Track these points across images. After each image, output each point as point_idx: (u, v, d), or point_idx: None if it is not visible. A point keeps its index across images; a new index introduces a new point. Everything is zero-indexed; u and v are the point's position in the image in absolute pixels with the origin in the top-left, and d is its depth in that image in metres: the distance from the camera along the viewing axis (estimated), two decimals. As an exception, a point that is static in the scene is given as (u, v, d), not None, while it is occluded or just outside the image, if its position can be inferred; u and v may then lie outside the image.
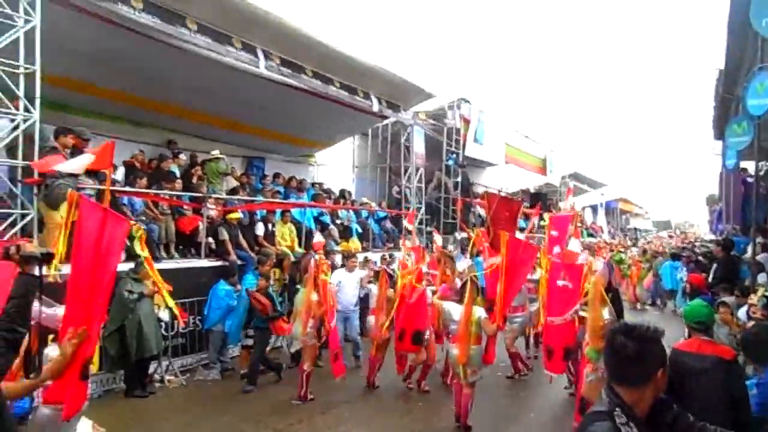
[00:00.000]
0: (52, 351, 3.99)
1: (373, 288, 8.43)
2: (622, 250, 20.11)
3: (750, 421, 3.67)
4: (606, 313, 5.20)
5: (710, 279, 8.54)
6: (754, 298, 5.70)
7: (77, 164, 5.32)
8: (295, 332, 7.16)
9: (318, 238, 8.53)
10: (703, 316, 4.34)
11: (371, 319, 8.11)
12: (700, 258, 11.39)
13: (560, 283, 6.41)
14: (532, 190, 24.71)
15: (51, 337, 4.16)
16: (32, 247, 2.77)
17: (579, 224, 23.46)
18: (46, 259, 2.77)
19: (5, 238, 6.41)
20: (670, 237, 34.89)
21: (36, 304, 3.90)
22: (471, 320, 6.05)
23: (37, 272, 2.66)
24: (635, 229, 42.72)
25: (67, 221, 4.22)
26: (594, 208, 31.73)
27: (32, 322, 3.47)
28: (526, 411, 7.02)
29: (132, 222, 4.49)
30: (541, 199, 23.39)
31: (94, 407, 6.88)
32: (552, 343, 6.67)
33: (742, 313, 5.89)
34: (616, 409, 1.98)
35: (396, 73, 12.18)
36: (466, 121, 16.51)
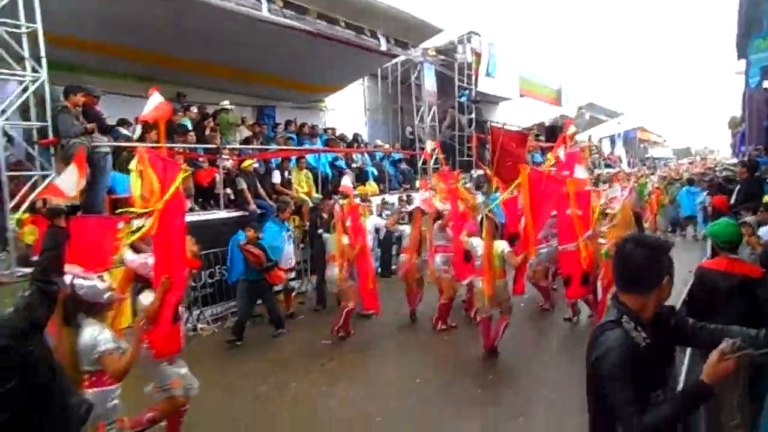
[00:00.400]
0: (144, 298, 4.21)
1: (406, 228, 8.31)
2: (643, 178, 19.88)
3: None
4: None
5: (733, 201, 8.42)
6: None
7: (69, 184, 4.82)
8: (331, 276, 7.39)
9: (345, 181, 8.41)
10: (731, 234, 4.33)
11: (403, 257, 8.15)
12: (722, 182, 11.21)
13: (569, 211, 6.44)
14: (547, 123, 24.25)
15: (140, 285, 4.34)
16: (58, 200, 2.79)
17: (594, 154, 23.11)
18: (73, 211, 2.80)
19: (29, 200, 6.52)
20: (690, 163, 34.33)
21: (129, 254, 4.25)
22: (493, 255, 6.14)
23: (63, 224, 2.69)
24: (653, 158, 42.04)
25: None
26: (611, 139, 31.17)
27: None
28: (548, 338, 7.15)
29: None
30: (556, 132, 22.98)
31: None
32: (569, 270, 6.85)
33: (763, 231, 5.84)
34: (624, 316, 2.06)
35: (402, 9, 11.80)
36: (477, 55, 16.08)
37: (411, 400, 5.38)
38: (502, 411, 5.10)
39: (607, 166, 26.07)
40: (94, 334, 3.22)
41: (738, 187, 8.71)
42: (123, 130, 8.54)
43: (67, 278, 3.07)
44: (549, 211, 6.48)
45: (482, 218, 6.34)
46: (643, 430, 1.89)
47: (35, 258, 2.66)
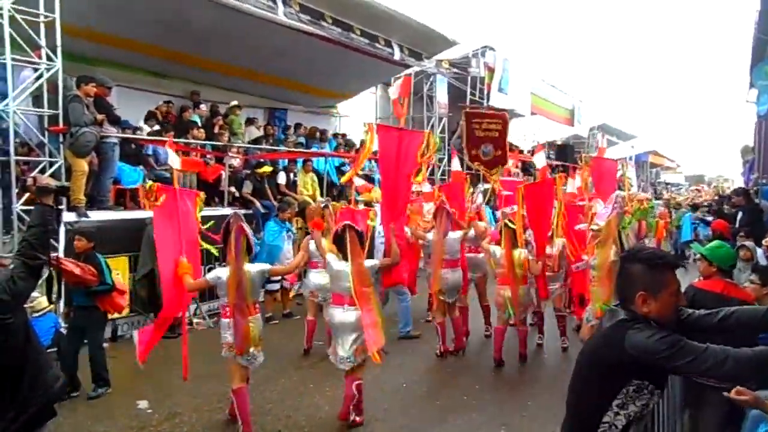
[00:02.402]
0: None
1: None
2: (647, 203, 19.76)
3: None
4: (613, 255, 5.18)
5: (736, 227, 8.40)
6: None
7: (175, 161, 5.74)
8: (307, 282, 7.15)
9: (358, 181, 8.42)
10: (727, 257, 4.31)
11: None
12: (725, 207, 11.18)
13: (577, 227, 6.45)
14: (558, 142, 24.23)
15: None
16: (48, 179, 2.88)
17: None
18: (61, 191, 2.89)
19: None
20: (698, 191, 34.04)
21: None
22: (513, 262, 6.28)
23: (51, 203, 2.78)
24: (665, 183, 41.70)
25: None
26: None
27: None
28: (540, 352, 7.15)
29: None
30: (567, 152, 22.96)
31: (125, 347, 7.25)
32: (582, 290, 6.48)
33: (760, 254, 5.83)
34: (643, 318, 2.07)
35: (418, 20, 11.90)
36: (491, 70, 16.15)
37: (395, 403, 5.41)
38: (487, 418, 5.11)
39: (618, 188, 25.92)
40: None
41: (740, 214, 8.71)
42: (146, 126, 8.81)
43: None
44: (548, 212, 6.54)
45: (501, 227, 6.54)
46: (737, 363, 1.86)
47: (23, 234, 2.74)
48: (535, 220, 6.59)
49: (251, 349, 4.57)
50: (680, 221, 15.59)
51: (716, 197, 22.33)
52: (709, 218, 13.05)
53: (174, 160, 5.52)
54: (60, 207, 2.72)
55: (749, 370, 1.89)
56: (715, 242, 4.74)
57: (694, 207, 15.21)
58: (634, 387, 2.05)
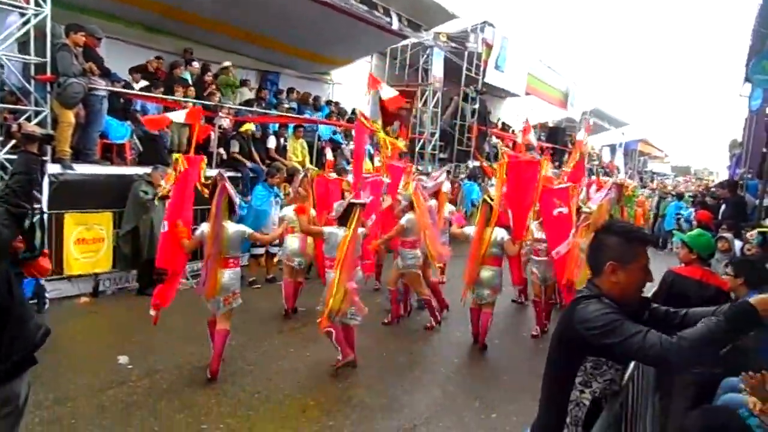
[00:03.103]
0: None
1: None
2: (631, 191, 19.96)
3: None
4: None
5: (720, 217, 8.52)
6: (750, 235, 5.75)
7: (179, 116, 6.36)
8: (285, 248, 7.10)
9: (329, 156, 8.42)
10: (707, 245, 4.44)
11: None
12: (708, 199, 11.33)
13: (556, 212, 6.30)
14: (550, 124, 24.24)
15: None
16: (33, 127, 2.82)
17: (593, 161, 23.10)
18: (46, 139, 2.83)
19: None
20: (686, 182, 34.39)
21: None
22: (483, 241, 6.10)
23: (36, 150, 2.73)
24: (652, 172, 42.03)
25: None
26: (612, 148, 31.15)
27: None
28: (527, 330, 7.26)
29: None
30: (559, 134, 22.99)
31: (108, 303, 7.25)
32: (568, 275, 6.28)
33: (738, 246, 5.95)
34: (600, 294, 2.09)
35: (418, -10, 11.72)
36: (489, 46, 15.98)
37: (374, 370, 5.49)
38: (461, 392, 5.22)
39: (606, 174, 26.12)
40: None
41: (724, 206, 8.83)
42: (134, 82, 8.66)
43: None
44: (532, 195, 6.38)
45: (479, 203, 6.41)
46: (681, 344, 1.81)
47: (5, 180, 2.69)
48: (515, 199, 6.32)
49: (218, 296, 5.01)
50: (665, 210, 15.79)
51: (702, 189, 22.61)
52: (690, 209, 13.23)
53: (178, 115, 6.09)
54: (44, 157, 2.66)
55: (686, 354, 1.82)
56: (697, 230, 4.86)
57: (679, 196, 15.41)
58: (591, 363, 2.08)
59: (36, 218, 2.74)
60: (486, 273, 6.14)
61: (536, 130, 23.48)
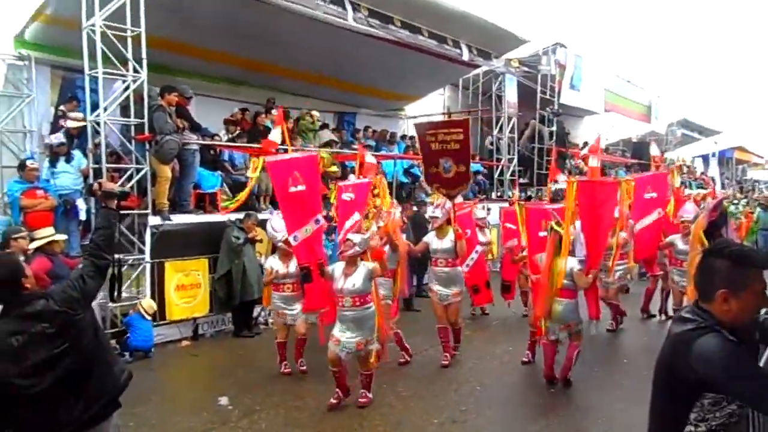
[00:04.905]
0: None
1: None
2: (735, 201, 18.57)
3: None
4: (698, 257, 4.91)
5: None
6: None
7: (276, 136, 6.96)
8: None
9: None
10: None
11: None
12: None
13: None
14: (634, 139, 23.23)
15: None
16: (111, 184, 3.10)
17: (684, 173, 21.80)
18: (123, 196, 3.11)
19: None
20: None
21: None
22: (554, 271, 5.69)
23: (114, 206, 2.98)
24: (753, 180, 39.10)
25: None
26: (705, 158, 29.36)
27: None
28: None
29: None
30: (644, 149, 21.94)
31: (206, 345, 7.57)
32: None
33: None
34: (714, 324, 1.94)
35: (486, 19, 11.71)
36: (562, 67, 15.70)
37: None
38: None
39: (699, 186, 24.58)
40: None
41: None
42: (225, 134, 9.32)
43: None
44: (610, 220, 6.03)
45: (548, 231, 5.87)
46: None
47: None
48: (588, 224, 5.84)
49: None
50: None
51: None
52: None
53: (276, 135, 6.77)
54: (119, 211, 2.94)
55: None
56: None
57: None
58: (710, 400, 1.91)
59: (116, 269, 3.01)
60: (557, 307, 5.70)
61: (618, 147, 22.62)
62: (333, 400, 5.24)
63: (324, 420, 5.03)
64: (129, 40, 7.00)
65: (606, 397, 5.61)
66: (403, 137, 14.03)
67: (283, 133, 7.88)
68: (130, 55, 7.01)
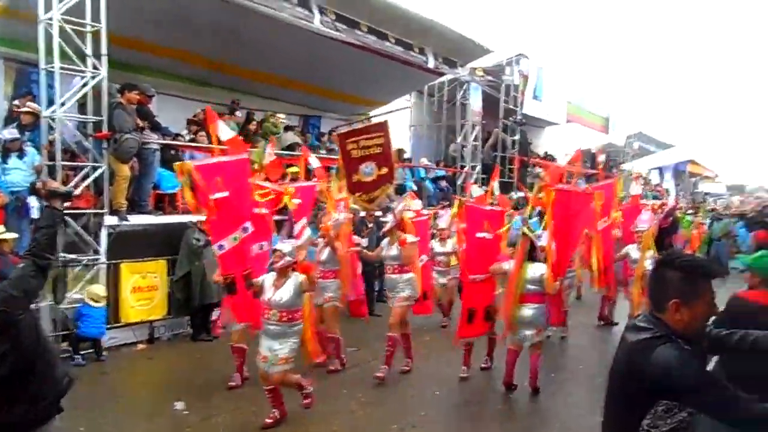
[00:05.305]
0: None
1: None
2: (690, 212, 19.26)
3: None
4: (648, 264, 5.10)
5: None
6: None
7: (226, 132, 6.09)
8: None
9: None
10: (772, 267, 4.20)
11: None
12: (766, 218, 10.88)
13: (480, 235, 6.04)
14: (593, 150, 23.84)
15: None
16: (57, 184, 3.08)
17: (642, 185, 22.55)
18: (68, 195, 3.13)
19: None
20: (741, 203, 33.02)
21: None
22: (520, 277, 5.74)
23: (59, 206, 2.94)
24: (704, 193, 40.61)
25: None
26: (660, 170, 30.36)
27: None
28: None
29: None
30: (594, 159, 22.57)
31: (163, 349, 7.42)
32: (474, 304, 6.23)
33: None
34: (670, 333, 2.00)
35: (452, 28, 11.88)
36: (525, 78, 16.02)
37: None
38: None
39: (655, 197, 25.40)
40: None
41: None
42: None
43: None
44: (581, 230, 6.20)
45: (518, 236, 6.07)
46: (761, 415, 1.85)
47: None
48: (560, 232, 5.93)
49: None
50: (723, 232, 15.15)
51: (759, 207, 21.65)
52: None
53: (224, 131, 5.88)
54: (63, 210, 2.89)
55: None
56: (760, 252, 4.62)
57: (742, 216, 14.77)
58: (663, 408, 1.98)
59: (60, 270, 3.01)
60: (527, 311, 5.77)
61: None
62: (268, 420, 4.94)
63: (282, 425, 4.99)
64: (88, 36, 6.84)
65: (562, 403, 5.74)
66: (368, 142, 14.05)
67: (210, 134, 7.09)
68: (89, 51, 6.84)
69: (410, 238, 6.30)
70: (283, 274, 4.87)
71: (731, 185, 48.90)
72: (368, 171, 6.17)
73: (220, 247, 5.20)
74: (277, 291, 4.82)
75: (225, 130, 6.10)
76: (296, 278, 4.85)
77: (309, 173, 9.35)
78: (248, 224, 5.37)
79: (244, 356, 5.92)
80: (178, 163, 5.39)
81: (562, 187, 6.24)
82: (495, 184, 8.66)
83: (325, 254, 6.45)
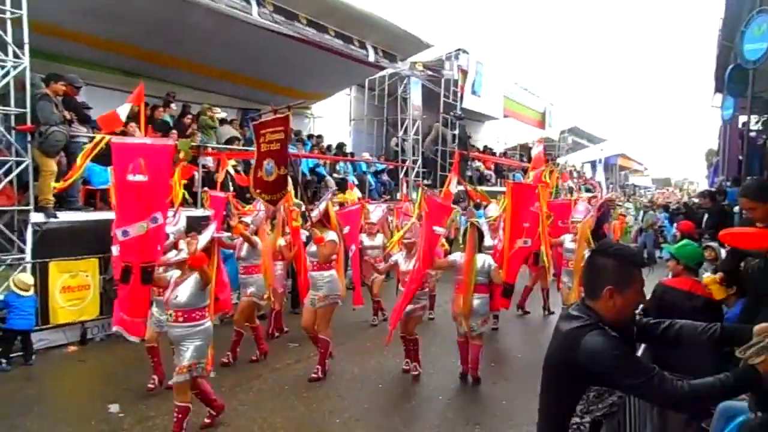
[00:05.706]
0: None
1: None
2: (620, 203, 20.20)
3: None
4: (587, 254, 5.31)
5: (703, 227, 8.64)
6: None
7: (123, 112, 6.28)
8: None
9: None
10: (694, 255, 4.48)
11: None
12: (691, 209, 11.56)
13: (437, 229, 5.99)
14: (530, 145, 24.57)
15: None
16: None
17: (575, 178, 23.41)
18: None
19: (0, 186, 6.51)
20: (663, 194, 34.90)
21: None
22: (473, 268, 5.83)
23: None
24: (633, 185, 42.66)
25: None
26: (593, 164, 31.66)
27: None
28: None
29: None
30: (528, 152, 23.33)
31: (96, 350, 7.13)
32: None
33: (724, 255, 6.01)
34: (598, 321, 2.09)
35: (393, 22, 11.95)
36: (464, 73, 16.32)
37: (370, 403, 5.45)
38: (461, 419, 5.18)
39: (587, 190, 26.45)
40: None
41: (706, 216, 8.97)
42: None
43: None
44: (523, 223, 6.41)
45: (466, 228, 6.17)
46: (687, 394, 1.89)
47: None
48: (513, 222, 6.29)
49: None
50: (648, 223, 15.95)
51: (681, 199, 22.95)
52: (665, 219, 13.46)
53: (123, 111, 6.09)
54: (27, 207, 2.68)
55: (692, 402, 1.97)
56: (683, 241, 4.93)
57: (665, 208, 15.62)
58: (594, 393, 2.08)
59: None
60: (476, 301, 5.87)
61: (516, 152, 23.84)
62: (206, 420, 4.82)
63: (222, 424, 4.91)
64: (8, 23, 6.47)
65: (502, 391, 5.90)
66: (310, 137, 13.96)
67: (138, 113, 7.10)
68: (9, 39, 6.47)
69: (330, 235, 6.01)
70: (184, 270, 4.57)
71: (657, 178, 51.67)
72: (269, 169, 5.59)
73: (125, 232, 4.89)
74: (175, 288, 4.51)
75: (123, 111, 6.49)
76: (195, 275, 4.50)
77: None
78: (159, 215, 5.04)
79: (159, 355, 5.68)
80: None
81: (517, 182, 6.53)
82: (454, 181, 8.82)
83: (244, 250, 6.64)
